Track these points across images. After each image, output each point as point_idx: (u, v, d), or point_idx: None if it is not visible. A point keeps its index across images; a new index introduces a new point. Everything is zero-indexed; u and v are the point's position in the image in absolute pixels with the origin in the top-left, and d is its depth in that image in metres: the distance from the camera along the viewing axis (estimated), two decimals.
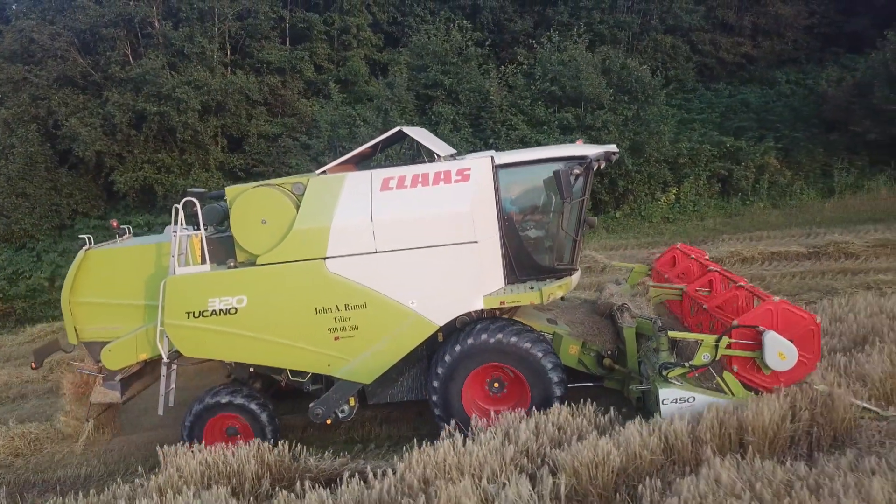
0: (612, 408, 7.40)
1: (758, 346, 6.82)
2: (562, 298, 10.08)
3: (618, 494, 6.04)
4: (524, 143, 21.54)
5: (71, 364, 10.54)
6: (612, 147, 8.44)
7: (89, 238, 8.81)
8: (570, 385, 7.89)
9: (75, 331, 8.53)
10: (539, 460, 6.63)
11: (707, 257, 10.18)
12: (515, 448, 6.71)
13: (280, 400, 9.61)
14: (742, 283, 8.19)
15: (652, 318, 8.14)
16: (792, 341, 6.71)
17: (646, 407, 7.40)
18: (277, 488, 7.02)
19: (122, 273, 8.39)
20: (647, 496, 5.70)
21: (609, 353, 8.35)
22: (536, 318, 8.72)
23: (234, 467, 7.39)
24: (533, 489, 5.98)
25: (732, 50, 33.41)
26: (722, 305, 8.29)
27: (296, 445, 7.99)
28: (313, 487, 6.63)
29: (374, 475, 6.69)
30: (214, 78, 23.91)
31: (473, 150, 17.53)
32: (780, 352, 6.70)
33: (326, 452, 7.89)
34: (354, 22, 28.65)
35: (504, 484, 6.04)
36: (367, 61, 29.13)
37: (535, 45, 24.55)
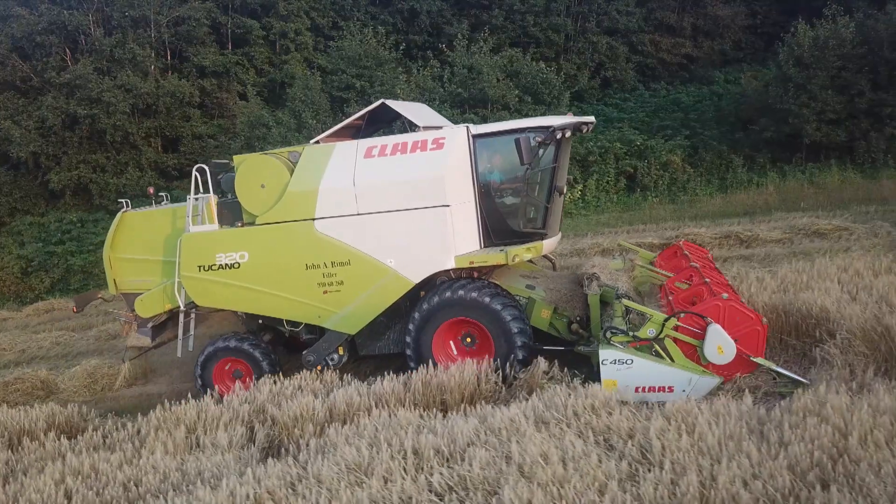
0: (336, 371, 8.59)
1: (702, 335, 7.03)
2: (553, 265, 10.89)
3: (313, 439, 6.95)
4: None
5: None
6: (588, 118, 9.02)
7: (127, 202, 10.07)
8: (545, 348, 8.36)
9: (114, 283, 9.85)
10: (262, 415, 7.88)
11: (709, 257, 10.52)
12: (251, 406, 8.05)
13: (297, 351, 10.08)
14: (707, 280, 8.20)
15: (615, 288, 8.70)
16: (736, 340, 6.89)
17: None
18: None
19: (152, 233, 9.64)
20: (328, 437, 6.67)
21: (578, 318, 8.68)
22: (515, 282, 9.26)
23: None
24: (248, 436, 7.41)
25: (673, 51, 34.17)
26: (687, 298, 8.24)
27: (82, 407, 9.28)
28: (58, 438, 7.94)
29: (116, 427, 8.26)
30: (146, 82, 25.13)
31: None
32: (719, 345, 6.89)
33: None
34: (293, 27, 29.80)
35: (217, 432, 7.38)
36: (309, 65, 30.26)
37: (444, 48, 25.50)
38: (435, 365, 8.18)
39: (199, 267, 8.99)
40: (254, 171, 8.83)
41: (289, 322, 9.21)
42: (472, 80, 23.01)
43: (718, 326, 6.96)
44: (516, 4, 31.48)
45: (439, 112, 23.45)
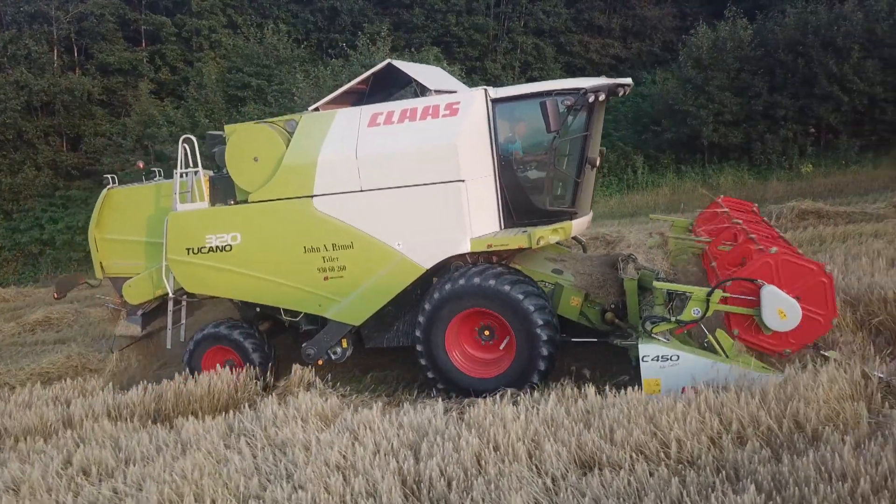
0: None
1: (756, 302, 5.98)
2: (583, 248, 9.68)
3: None
4: None
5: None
6: (625, 80, 7.86)
7: (113, 178, 9.19)
8: (574, 340, 7.59)
9: (101, 266, 9.01)
10: None
11: (754, 209, 9.42)
12: None
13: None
14: (753, 236, 7.08)
15: (655, 270, 7.69)
16: (798, 298, 5.88)
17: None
18: None
19: (140, 211, 8.77)
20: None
21: (612, 306, 7.67)
22: (541, 266, 8.19)
23: None
24: None
25: (602, 51, 34.14)
26: (734, 261, 7.15)
27: None
28: None
29: None
30: (42, 79, 24.46)
31: None
32: (779, 309, 5.85)
33: None
34: (206, 24, 29.25)
35: None
36: (227, 62, 29.73)
37: (346, 49, 25.17)
38: (451, 366, 7.40)
39: (188, 249, 8.14)
40: (245, 143, 7.90)
41: (286, 311, 8.30)
42: None
43: (773, 287, 5.88)
44: (437, 4, 31.22)
45: None
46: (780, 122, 22.11)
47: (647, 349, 6.03)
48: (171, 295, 8.46)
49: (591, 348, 7.69)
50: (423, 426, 5.79)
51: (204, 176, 8.39)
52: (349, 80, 23.54)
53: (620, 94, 7.84)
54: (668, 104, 23.23)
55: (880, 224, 12.93)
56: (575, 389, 6.18)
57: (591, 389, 5.99)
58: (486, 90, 7.43)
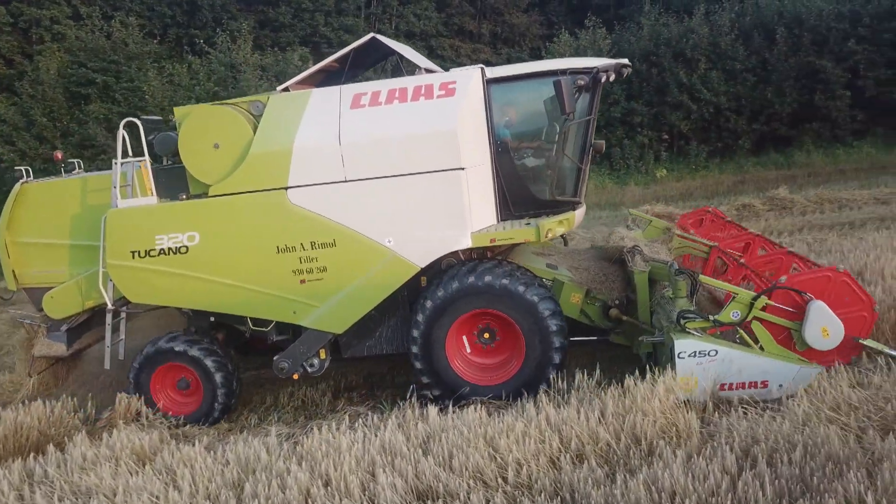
0: None
1: (799, 315, 5.77)
2: (564, 241, 9.09)
3: None
4: None
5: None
6: (625, 61, 7.42)
7: (27, 170, 7.73)
8: (571, 339, 6.92)
9: (14, 275, 7.61)
10: None
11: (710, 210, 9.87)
12: None
13: (263, 354, 8.26)
14: (790, 250, 7.21)
15: (668, 263, 7.14)
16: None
17: (657, 362, 6.29)
18: None
19: (65, 209, 7.48)
20: None
21: (616, 302, 7.31)
22: (535, 263, 7.70)
23: None
24: None
25: (472, 56, 34.54)
26: (762, 268, 7.23)
27: None
28: None
29: None
30: None
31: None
32: (824, 327, 5.65)
33: None
34: (48, 14, 26.75)
35: None
36: (70, 56, 27.31)
37: (206, 47, 23.91)
38: (452, 374, 6.78)
39: (133, 253, 6.97)
40: (203, 128, 6.85)
41: (255, 321, 7.25)
42: (232, 78, 21.59)
43: (824, 304, 5.68)
44: (305, 3, 30.38)
45: None
46: (636, 128, 23.15)
47: (683, 345, 5.66)
48: (110, 306, 7.28)
49: (590, 347, 7.44)
50: (252, 461, 5.27)
51: (143, 168, 7.24)
52: (209, 80, 22.26)
53: (623, 75, 7.39)
54: None
55: None
56: (417, 411, 5.85)
57: (433, 410, 5.68)
58: (482, 68, 6.83)
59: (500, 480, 4.64)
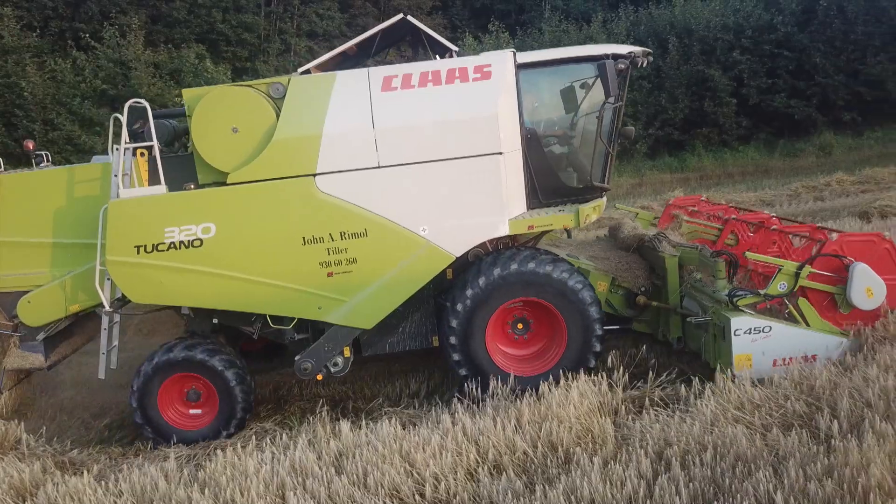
0: None
1: (841, 280, 5.99)
2: (567, 234, 8.99)
3: None
4: (73, 145, 19.48)
5: None
6: (649, 49, 7.46)
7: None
8: None
9: None
10: None
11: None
12: None
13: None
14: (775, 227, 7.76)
15: (697, 247, 7.12)
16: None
17: (689, 346, 6.77)
18: None
19: (44, 203, 6.81)
20: None
21: (643, 289, 7.28)
22: (558, 253, 7.38)
23: None
24: None
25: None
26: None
27: None
28: None
29: None
30: None
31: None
32: (868, 287, 5.88)
33: None
34: None
35: None
36: None
37: (92, 42, 22.52)
38: (493, 365, 6.54)
39: (139, 248, 6.31)
40: (220, 111, 6.33)
41: (274, 319, 6.70)
42: (122, 76, 20.37)
43: (865, 265, 5.93)
44: None
45: (80, 109, 20.73)
46: None
47: (738, 322, 5.80)
48: (107, 308, 6.57)
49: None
50: (149, 491, 4.88)
51: (140, 156, 6.61)
52: (96, 77, 20.97)
53: (643, 64, 7.36)
54: None
55: None
56: (328, 427, 5.62)
57: (345, 426, 5.47)
58: (513, 52, 6.70)
59: (417, 497, 4.50)
